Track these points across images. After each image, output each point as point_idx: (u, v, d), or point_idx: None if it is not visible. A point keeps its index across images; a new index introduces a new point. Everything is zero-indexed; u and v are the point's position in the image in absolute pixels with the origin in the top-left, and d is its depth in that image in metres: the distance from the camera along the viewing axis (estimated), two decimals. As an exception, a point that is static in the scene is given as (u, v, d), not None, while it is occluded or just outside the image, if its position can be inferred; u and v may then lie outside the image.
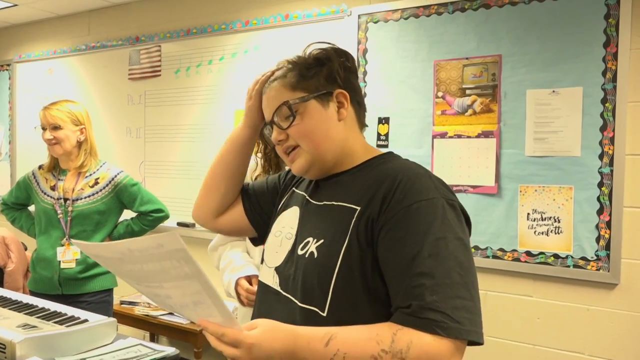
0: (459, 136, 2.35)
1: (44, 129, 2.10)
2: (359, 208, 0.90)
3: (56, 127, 2.08)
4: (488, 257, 2.30)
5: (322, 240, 0.92)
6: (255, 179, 1.62)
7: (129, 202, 2.17)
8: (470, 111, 2.33)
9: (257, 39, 2.91)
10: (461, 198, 2.32)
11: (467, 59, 2.33)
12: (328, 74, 0.98)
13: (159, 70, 3.27)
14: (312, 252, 0.92)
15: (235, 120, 2.97)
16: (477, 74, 2.31)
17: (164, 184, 3.24)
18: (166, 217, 2.24)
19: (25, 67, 4.00)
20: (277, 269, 0.99)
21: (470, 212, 2.48)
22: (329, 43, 1.03)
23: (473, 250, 2.32)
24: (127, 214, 2.25)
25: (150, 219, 2.18)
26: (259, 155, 1.61)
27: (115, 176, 2.16)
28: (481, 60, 2.30)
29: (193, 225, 3.06)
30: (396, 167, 0.93)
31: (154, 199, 2.21)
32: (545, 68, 2.19)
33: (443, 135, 2.38)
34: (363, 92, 2.56)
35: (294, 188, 1.11)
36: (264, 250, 1.06)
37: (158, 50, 3.28)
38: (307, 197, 1.04)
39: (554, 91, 2.18)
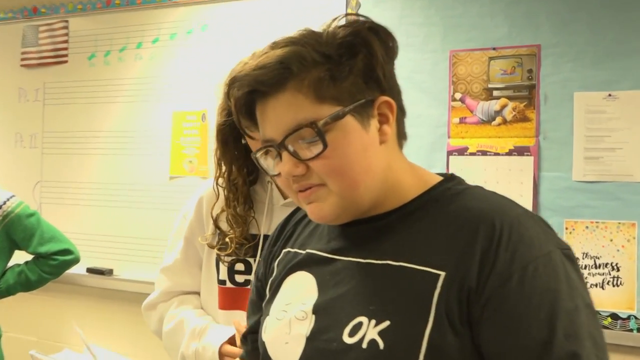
0: (484, 153, 2.34)
1: None
2: (443, 273, 0.83)
3: None
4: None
5: (387, 322, 0.83)
6: (216, 218, 1.55)
7: (24, 239, 2.14)
8: (498, 119, 2.32)
9: (205, 15, 2.88)
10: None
11: (494, 49, 2.33)
12: (367, 71, 0.88)
13: (66, 55, 3.20)
14: (373, 341, 0.83)
15: (173, 125, 2.90)
16: (508, 70, 2.31)
17: (69, 213, 3.15)
18: (76, 260, 2.28)
19: None
20: None
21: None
22: (355, 14, 0.95)
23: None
24: (19, 256, 2.20)
25: (54, 264, 2.17)
26: (221, 181, 1.55)
27: (4, 203, 2.13)
28: (513, 52, 2.31)
29: (110, 273, 2.99)
30: (484, 206, 0.87)
31: (58, 236, 2.22)
32: (598, 64, 2.20)
33: (462, 152, 2.37)
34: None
35: (288, 248, 1.05)
36: (264, 343, 0.98)
37: (64, 27, 3.20)
38: (326, 254, 0.96)
39: (610, 95, 2.20)
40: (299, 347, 0.90)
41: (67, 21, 3.20)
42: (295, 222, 1.09)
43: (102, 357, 2.81)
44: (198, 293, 1.64)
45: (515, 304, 0.79)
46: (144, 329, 2.75)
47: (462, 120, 2.38)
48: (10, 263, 2.21)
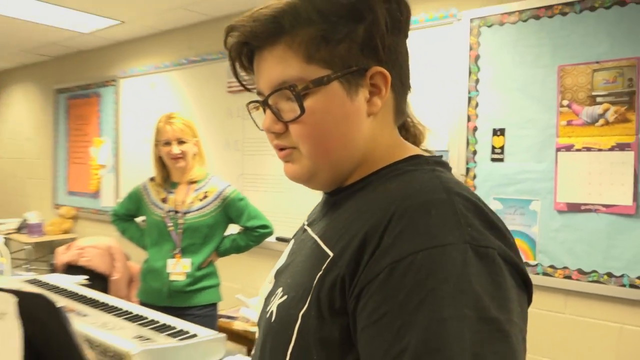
0: (589, 149, 2.23)
1: (167, 143, 2.17)
2: (331, 255, 0.63)
3: (182, 141, 2.18)
4: (624, 285, 2.15)
5: (285, 297, 0.66)
6: None
7: (236, 216, 2.26)
8: (601, 121, 2.20)
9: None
10: (591, 219, 2.20)
11: (597, 62, 2.22)
12: (365, 38, 0.66)
13: (258, 83, 3.40)
14: (272, 313, 0.67)
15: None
16: (610, 80, 2.19)
17: (261, 197, 3.30)
18: (271, 233, 2.32)
19: (130, 82, 4.32)
20: (258, 324, 0.76)
21: (603, 235, 2.29)
22: None
23: (606, 277, 2.18)
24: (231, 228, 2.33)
25: (256, 235, 2.27)
26: None
27: (224, 190, 2.27)
28: (615, 64, 2.18)
29: (292, 241, 3.12)
30: (399, 189, 0.62)
31: (260, 215, 2.30)
32: (695, 71, 2.03)
33: (569, 148, 2.28)
34: (475, 103, 2.50)
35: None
36: None
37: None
38: (305, 225, 0.80)
39: None
40: (262, 305, 0.76)
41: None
42: None
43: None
44: None
45: (380, 303, 0.53)
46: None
47: (569, 123, 2.28)
48: (226, 233, 2.33)
